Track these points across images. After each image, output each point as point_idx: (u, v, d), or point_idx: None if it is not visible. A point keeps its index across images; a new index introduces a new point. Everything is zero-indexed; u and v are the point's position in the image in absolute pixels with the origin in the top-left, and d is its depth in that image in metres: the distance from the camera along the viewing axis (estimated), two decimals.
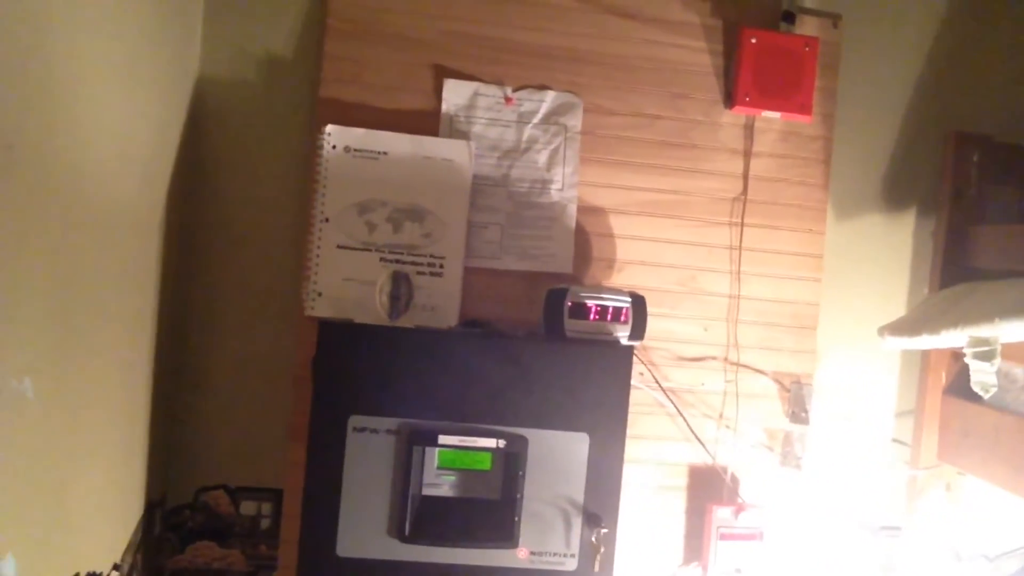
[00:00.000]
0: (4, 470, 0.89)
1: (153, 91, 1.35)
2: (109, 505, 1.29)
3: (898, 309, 1.78)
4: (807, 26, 1.65)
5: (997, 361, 1.32)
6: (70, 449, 1.09)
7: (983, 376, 1.34)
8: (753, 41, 1.59)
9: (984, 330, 1.32)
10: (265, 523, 1.64)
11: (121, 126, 1.20)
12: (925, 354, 1.75)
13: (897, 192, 1.79)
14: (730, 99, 1.63)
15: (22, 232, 0.90)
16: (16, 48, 0.86)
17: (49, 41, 0.93)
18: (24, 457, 0.94)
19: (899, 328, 1.54)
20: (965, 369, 1.44)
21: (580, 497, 1.35)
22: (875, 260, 1.79)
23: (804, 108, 1.60)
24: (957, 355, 1.63)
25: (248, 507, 1.64)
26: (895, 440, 1.80)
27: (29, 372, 0.93)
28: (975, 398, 1.53)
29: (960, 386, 1.64)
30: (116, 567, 1.33)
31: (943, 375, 1.70)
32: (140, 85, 1.27)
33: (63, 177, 0.99)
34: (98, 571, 1.24)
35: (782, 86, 1.59)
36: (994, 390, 1.35)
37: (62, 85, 0.97)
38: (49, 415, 1.00)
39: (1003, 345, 1.33)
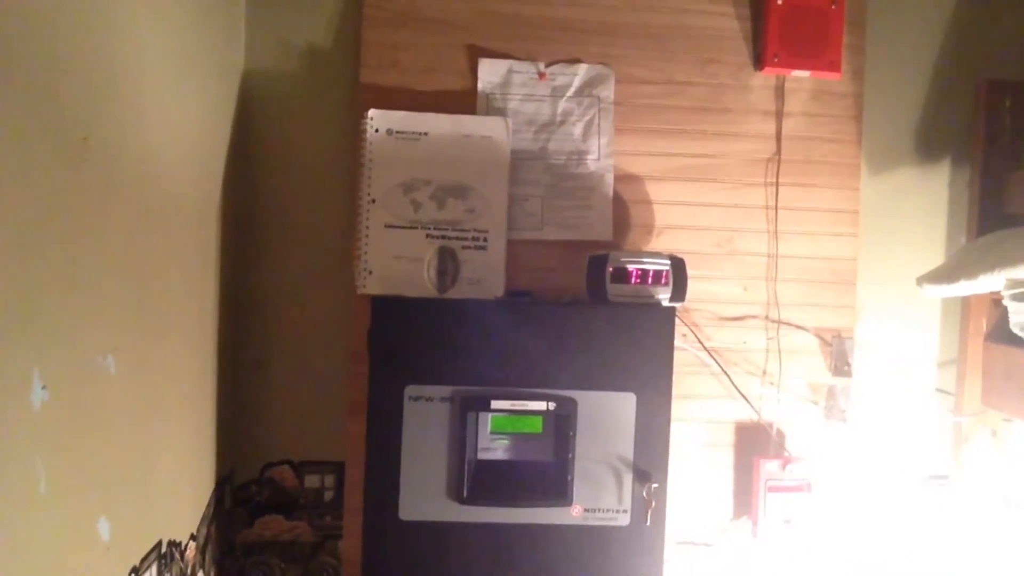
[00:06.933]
0: (95, 438, 0.97)
1: (204, 86, 1.42)
2: (185, 478, 1.37)
3: (936, 260, 1.78)
4: None
5: None
6: (150, 423, 1.16)
7: (1022, 316, 1.36)
8: (779, 2, 1.61)
9: (1021, 272, 1.33)
10: (328, 495, 1.70)
11: (178, 120, 1.26)
12: (965, 302, 1.76)
13: (930, 143, 1.80)
14: (759, 61, 1.65)
15: (101, 219, 0.96)
16: (88, 46, 0.92)
17: (114, 39, 0.99)
18: (110, 428, 1.01)
19: (937, 276, 1.55)
20: (1005, 314, 1.45)
21: (630, 454, 1.39)
22: (911, 212, 1.80)
23: (833, 65, 1.62)
24: (997, 301, 1.64)
25: (312, 480, 1.70)
26: (939, 389, 1.81)
27: (111, 350, 1.00)
28: (1017, 342, 1.54)
29: (1001, 331, 1.65)
30: (193, 537, 1.41)
31: (984, 322, 1.71)
32: (192, 80, 1.34)
33: (132, 168, 1.06)
34: (178, 540, 1.32)
35: (810, 45, 1.61)
36: None
37: (127, 81, 1.04)
38: (130, 391, 1.07)
39: None
